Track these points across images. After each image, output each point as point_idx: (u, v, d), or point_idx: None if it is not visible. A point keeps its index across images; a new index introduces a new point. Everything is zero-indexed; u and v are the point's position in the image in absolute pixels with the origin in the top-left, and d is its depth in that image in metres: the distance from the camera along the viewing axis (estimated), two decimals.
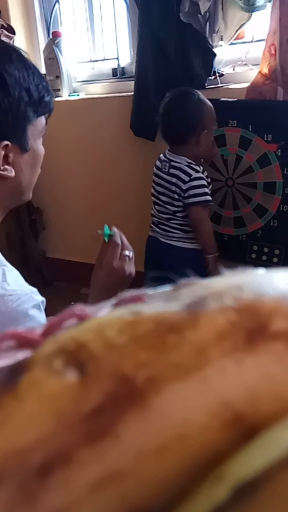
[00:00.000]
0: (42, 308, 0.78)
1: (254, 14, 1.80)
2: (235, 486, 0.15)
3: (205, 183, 1.66)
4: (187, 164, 1.65)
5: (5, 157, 0.78)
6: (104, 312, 0.20)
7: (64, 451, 0.15)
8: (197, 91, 1.67)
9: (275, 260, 1.82)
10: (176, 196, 1.66)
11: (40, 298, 0.78)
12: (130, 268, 0.99)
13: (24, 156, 0.82)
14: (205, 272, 1.67)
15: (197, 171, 1.65)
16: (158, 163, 1.75)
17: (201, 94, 1.66)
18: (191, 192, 1.63)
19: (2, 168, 0.79)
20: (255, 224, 1.87)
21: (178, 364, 0.16)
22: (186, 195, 1.64)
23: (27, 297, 0.75)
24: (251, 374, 0.16)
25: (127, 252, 0.99)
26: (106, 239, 0.99)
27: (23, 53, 0.83)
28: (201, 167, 1.68)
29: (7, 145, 0.78)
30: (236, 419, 0.16)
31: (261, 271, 0.21)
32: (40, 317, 0.77)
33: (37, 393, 0.16)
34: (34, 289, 0.78)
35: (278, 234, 1.82)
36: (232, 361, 0.16)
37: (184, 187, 1.64)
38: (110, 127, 2.21)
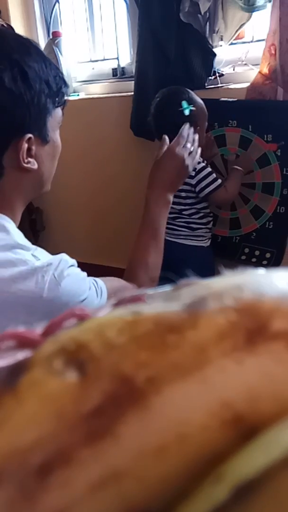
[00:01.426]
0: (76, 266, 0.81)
1: (254, 14, 1.79)
2: (235, 486, 0.15)
3: (210, 169, 1.68)
4: None
5: (28, 149, 0.80)
6: (104, 312, 0.20)
7: (64, 451, 0.15)
8: (187, 89, 1.68)
9: (264, 262, 1.82)
10: (183, 194, 1.67)
11: (72, 261, 0.81)
12: (189, 161, 1.06)
13: (45, 147, 0.83)
14: (211, 269, 1.67)
15: (198, 162, 1.66)
16: None
17: (191, 92, 1.67)
18: (203, 184, 1.65)
19: (26, 161, 0.80)
20: (251, 226, 1.87)
21: (178, 364, 0.16)
22: (198, 189, 1.66)
23: (61, 260, 0.78)
24: (251, 374, 0.16)
25: (189, 145, 1.06)
26: (187, 112, 1.18)
27: (38, 45, 0.83)
28: (201, 158, 1.70)
29: (30, 138, 0.79)
30: (236, 419, 0.16)
31: (261, 271, 0.21)
32: (75, 275, 0.80)
33: (37, 393, 0.16)
34: (63, 254, 0.81)
35: (272, 237, 1.82)
36: (232, 361, 0.16)
37: (193, 181, 1.65)
38: (110, 127, 2.21)
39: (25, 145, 0.78)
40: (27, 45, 0.80)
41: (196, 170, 1.65)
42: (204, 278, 0.21)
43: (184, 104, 0.96)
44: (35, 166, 0.81)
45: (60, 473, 0.15)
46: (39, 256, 0.78)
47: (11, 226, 0.81)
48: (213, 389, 0.16)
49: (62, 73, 0.84)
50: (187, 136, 1.07)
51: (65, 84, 0.85)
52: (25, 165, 0.80)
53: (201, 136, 1.69)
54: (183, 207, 1.70)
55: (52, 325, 0.20)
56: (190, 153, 1.06)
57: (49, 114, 0.82)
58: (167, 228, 1.76)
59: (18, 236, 0.80)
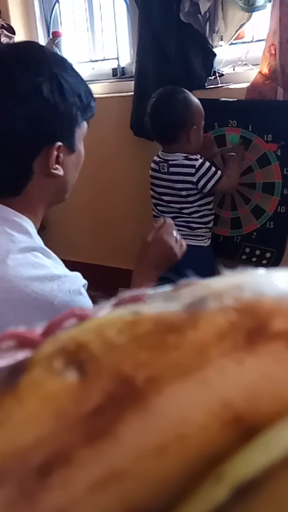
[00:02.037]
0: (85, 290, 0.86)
1: (254, 14, 1.79)
2: (235, 486, 0.15)
3: (208, 163, 1.68)
4: (184, 157, 1.68)
5: (57, 157, 0.85)
6: (104, 312, 0.20)
7: (64, 451, 0.15)
8: (183, 89, 1.68)
9: (264, 262, 1.83)
10: (184, 193, 1.68)
11: (84, 281, 0.85)
12: (177, 248, 1.10)
13: (71, 156, 0.89)
14: (212, 269, 1.68)
15: (196, 159, 1.67)
16: (153, 165, 1.77)
17: (187, 91, 1.68)
18: (204, 179, 1.66)
19: (54, 167, 0.85)
20: (251, 225, 1.87)
21: (178, 364, 0.16)
22: (200, 185, 1.67)
23: (76, 277, 0.83)
24: (251, 374, 0.16)
25: (175, 233, 1.11)
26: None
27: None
28: (198, 155, 1.70)
29: (60, 146, 0.84)
30: (236, 419, 0.16)
31: (261, 271, 0.21)
32: (87, 297, 0.84)
33: (37, 393, 0.16)
34: (78, 273, 0.85)
35: (273, 236, 1.82)
36: (232, 361, 0.16)
37: (195, 179, 1.66)
38: (110, 127, 2.21)
39: (55, 153, 0.84)
40: (63, 61, 0.87)
41: (196, 167, 1.65)
42: (204, 278, 0.21)
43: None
44: (61, 173, 0.87)
45: (60, 473, 0.15)
46: (57, 265, 0.83)
47: (33, 230, 0.85)
48: (213, 389, 0.16)
49: (90, 89, 0.92)
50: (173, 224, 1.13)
51: (93, 99, 0.92)
52: (53, 171, 0.85)
53: (199, 135, 1.70)
54: (183, 205, 1.70)
55: (52, 325, 0.20)
56: (177, 239, 1.11)
57: (78, 126, 0.88)
58: None
59: (40, 241, 0.84)
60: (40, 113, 0.81)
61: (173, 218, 1.73)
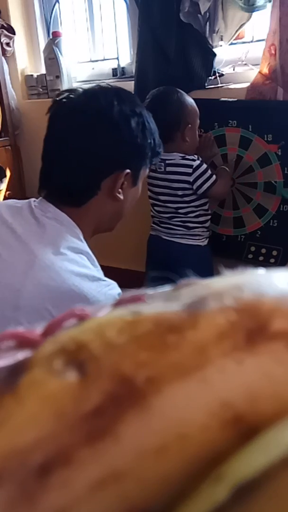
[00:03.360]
0: None
1: (254, 14, 1.79)
2: (235, 486, 0.15)
3: (206, 165, 1.69)
4: (181, 157, 1.68)
5: (122, 183, 0.95)
6: (104, 312, 0.20)
7: (64, 451, 0.15)
8: (176, 89, 1.69)
9: (272, 260, 1.82)
10: (179, 193, 1.68)
11: (120, 290, 0.91)
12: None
13: (132, 189, 0.99)
14: (209, 268, 1.68)
15: (194, 160, 1.67)
16: None
17: (180, 91, 1.69)
18: (200, 181, 1.66)
19: (118, 191, 0.95)
20: (255, 224, 1.86)
21: (178, 364, 0.16)
22: (196, 186, 1.67)
23: (114, 285, 0.90)
24: (251, 374, 0.16)
25: None
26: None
27: None
28: (196, 156, 1.70)
29: (128, 173, 0.95)
30: (236, 419, 0.16)
31: (261, 271, 0.21)
32: None
33: (37, 393, 0.16)
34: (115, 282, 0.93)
35: (277, 234, 1.82)
36: (232, 361, 0.16)
37: (191, 179, 1.66)
38: None
39: (122, 179, 0.95)
40: (144, 108, 1.02)
41: (193, 167, 1.65)
42: (202, 277, 0.21)
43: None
44: (122, 198, 0.97)
45: (60, 473, 0.15)
46: (99, 271, 0.91)
47: (83, 238, 0.93)
48: (213, 389, 0.16)
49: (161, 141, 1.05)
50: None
51: (161, 147, 1.05)
52: (116, 194, 0.95)
53: (194, 134, 1.70)
54: (180, 205, 1.70)
55: (52, 325, 0.20)
56: None
57: (145, 165, 1.01)
58: (163, 227, 1.77)
59: (88, 248, 0.93)
60: (123, 140, 0.93)
61: (169, 218, 1.73)
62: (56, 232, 0.89)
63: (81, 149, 0.92)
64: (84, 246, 0.92)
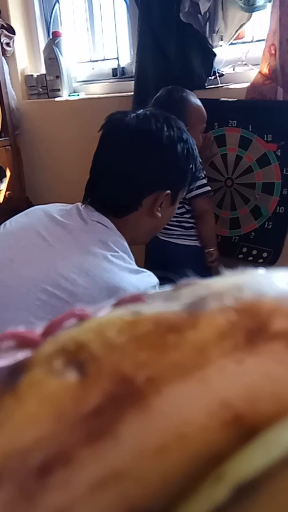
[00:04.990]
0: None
1: (254, 14, 1.79)
2: (235, 486, 0.15)
3: (202, 175, 1.66)
4: None
5: (161, 202, 1.02)
6: (104, 312, 0.20)
7: (64, 451, 0.15)
8: (184, 89, 1.66)
9: (260, 261, 1.82)
10: None
11: (157, 279, 0.98)
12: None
13: (169, 208, 1.06)
14: (204, 269, 1.67)
15: None
16: None
17: (189, 92, 1.66)
18: (191, 186, 1.64)
19: (157, 209, 1.02)
20: (250, 225, 1.86)
21: (178, 364, 0.16)
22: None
23: (152, 275, 0.98)
24: (251, 374, 0.16)
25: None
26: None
27: None
28: None
29: (168, 194, 1.02)
30: (236, 419, 0.16)
31: (261, 271, 0.21)
32: None
33: (37, 393, 0.16)
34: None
35: (270, 236, 1.81)
36: (232, 361, 0.16)
37: None
38: None
39: (163, 198, 1.02)
40: (189, 135, 1.08)
41: None
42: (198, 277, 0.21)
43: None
44: (160, 215, 1.03)
45: (60, 473, 0.15)
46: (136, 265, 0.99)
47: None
48: (213, 389, 0.16)
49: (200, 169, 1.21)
50: None
51: (200, 173, 1.15)
52: (155, 211, 1.02)
53: (194, 137, 1.67)
54: None
55: (52, 325, 0.20)
56: None
57: (184, 187, 1.08)
58: None
59: (128, 247, 0.99)
60: (168, 164, 1.01)
61: None
62: (102, 232, 0.97)
63: (128, 168, 0.99)
64: (126, 244, 0.99)
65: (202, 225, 1.72)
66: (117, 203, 1.01)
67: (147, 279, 0.95)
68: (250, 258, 1.84)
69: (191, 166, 1.05)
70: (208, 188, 1.67)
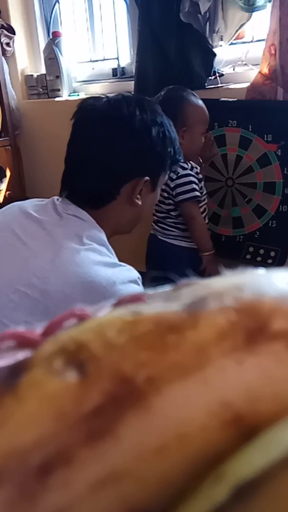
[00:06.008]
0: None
1: (254, 14, 1.79)
2: (235, 486, 0.15)
3: (194, 179, 1.65)
4: None
5: (141, 189, 1.00)
6: (104, 312, 0.20)
7: (64, 451, 0.15)
8: (185, 89, 1.66)
9: (269, 261, 1.82)
10: (166, 195, 1.66)
11: (138, 274, 0.96)
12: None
13: (150, 195, 1.04)
14: (199, 271, 1.66)
15: (184, 168, 1.64)
16: None
17: (190, 92, 1.65)
18: (179, 189, 1.63)
19: (136, 197, 1.00)
20: (253, 224, 1.86)
21: (178, 364, 0.16)
22: (174, 193, 1.64)
23: (132, 269, 0.95)
24: (251, 374, 0.16)
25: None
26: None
27: None
28: (190, 164, 1.66)
29: (147, 180, 0.99)
30: (236, 419, 0.16)
31: (261, 271, 0.21)
32: (142, 287, 0.95)
33: (37, 393, 0.16)
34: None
35: (276, 235, 1.81)
36: (232, 361, 0.16)
37: (172, 184, 1.64)
38: None
39: (142, 185, 0.99)
40: (169, 119, 1.05)
41: (178, 174, 1.62)
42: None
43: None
44: (140, 203, 1.01)
45: (60, 473, 0.15)
46: (116, 259, 0.97)
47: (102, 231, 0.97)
48: (213, 389, 0.16)
49: (181, 150, 1.08)
50: None
51: (180, 155, 1.08)
52: (135, 199, 1.00)
53: (192, 138, 1.64)
54: (169, 207, 1.69)
55: (52, 325, 0.20)
56: None
57: (164, 172, 1.05)
58: (160, 226, 1.76)
59: (106, 239, 0.97)
60: (143, 149, 0.97)
61: (163, 218, 1.72)
62: (78, 226, 0.94)
63: (102, 156, 0.96)
64: (103, 237, 0.96)
65: (190, 229, 1.70)
66: (94, 193, 0.98)
67: (125, 273, 0.92)
68: (259, 259, 1.83)
69: (169, 149, 1.01)
70: (195, 193, 1.65)
